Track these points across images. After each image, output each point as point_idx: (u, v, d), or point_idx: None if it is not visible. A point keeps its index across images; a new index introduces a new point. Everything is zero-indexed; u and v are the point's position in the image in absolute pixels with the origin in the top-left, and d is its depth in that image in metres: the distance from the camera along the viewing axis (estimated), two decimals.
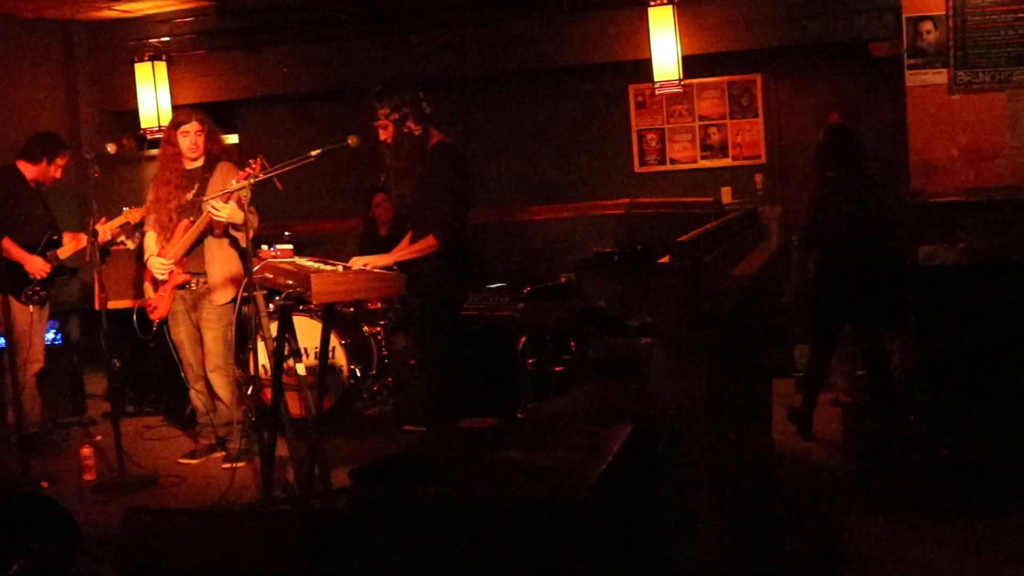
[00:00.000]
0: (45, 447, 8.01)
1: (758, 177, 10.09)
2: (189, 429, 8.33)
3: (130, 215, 8.00)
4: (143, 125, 10.49)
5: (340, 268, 6.21)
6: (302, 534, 4.08)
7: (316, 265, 6.26)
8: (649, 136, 10.45)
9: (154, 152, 10.75)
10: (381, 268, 6.32)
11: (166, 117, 10.45)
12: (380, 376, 8.29)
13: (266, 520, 4.27)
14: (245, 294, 6.22)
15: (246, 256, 6.20)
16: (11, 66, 10.12)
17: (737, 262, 6.04)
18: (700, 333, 4.76)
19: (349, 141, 6.28)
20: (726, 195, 10.07)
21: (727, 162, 10.27)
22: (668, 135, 10.42)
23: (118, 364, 9.12)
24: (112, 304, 7.88)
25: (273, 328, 6.24)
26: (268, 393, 7.91)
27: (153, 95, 10.44)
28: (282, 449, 6.50)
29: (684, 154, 10.36)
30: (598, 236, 9.50)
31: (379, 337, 8.32)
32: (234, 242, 7.33)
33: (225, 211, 6.85)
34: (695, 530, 4.68)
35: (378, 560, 3.88)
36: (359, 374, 8.19)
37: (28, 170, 8.08)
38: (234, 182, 6.57)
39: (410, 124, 6.63)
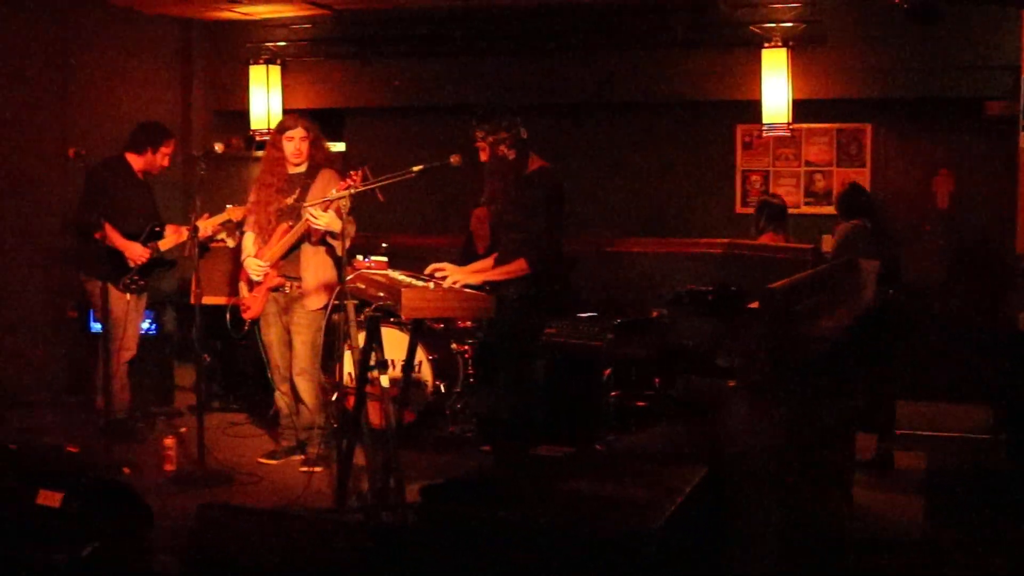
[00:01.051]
0: (130, 434, 8.14)
1: None
2: (271, 429, 8.42)
3: (232, 213, 8.13)
4: (252, 127, 10.65)
5: (431, 285, 6.25)
6: (370, 545, 4.11)
7: (408, 280, 6.31)
8: (753, 177, 10.40)
9: (261, 154, 10.94)
10: (470, 286, 6.34)
11: (276, 120, 10.55)
12: (464, 394, 8.31)
13: (336, 528, 4.30)
14: (336, 302, 6.29)
15: (341, 264, 6.26)
16: (128, 60, 10.32)
17: (830, 313, 5.98)
18: (784, 381, 4.73)
19: (452, 160, 6.33)
20: (826, 243, 9.96)
21: (830, 210, 10.15)
22: (773, 177, 10.36)
23: (207, 359, 9.25)
24: (207, 300, 8.01)
25: (361, 338, 6.29)
26: (351, 401, 8.00)
27: (265, 98, 10.60)
28: (361, 458, 6.56)
29: (787, 198, 10.24)
30: (693, 273, 9.44)
31: (467, 355, 8.34)
32: (330, 250, 7.41)
33: (324, 219, 6.94)
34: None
35: None
36: (443, 391, 8.22)
37: (135, 161, 8.24)
38: (334, 191, 6.65)
39: (503, 148, 6.66)
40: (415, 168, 6.24)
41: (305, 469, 7.40)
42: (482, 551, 3.75)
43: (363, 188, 6.30)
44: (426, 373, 8.12)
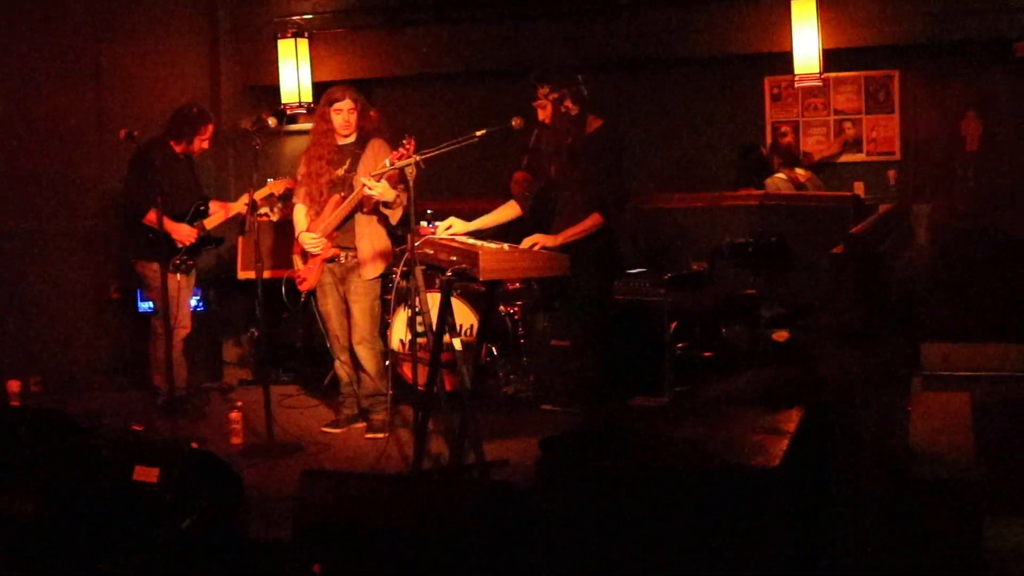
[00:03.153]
0: (190, 410, 8.23)
1: (891, 174, 10.06)
2: (327, 399, 8.50)
3: (274, 186, 8.19)
4: (284, 101, 10.65)
5: (506, 246, 6.30)
6: (491, 502, 4.18)
7: (481, 242, 6.37)
8: (783, 128, 10.45)
9: (293, 127, 11.00)
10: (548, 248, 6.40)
11: (307, 93, 10.62)
12: (516, 355, 8.38)
13: (456, 487, 4.38)
14: (405, 269, 6.35)
15: (400, 230, 6.29)
16: (157, 37, 10.30)
17: (898, 256, 6.07)
18: (874, 322, 4.82)
19: (513, 123, 6.40)
20: (858, 190, 10.04)
21: (861, 157, 10.24)
22: (802, 128, 10.41)
23: (256, 333, 9.34)
24: (249, 275, 8.07)
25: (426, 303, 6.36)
26: (405, 367, 8.09)
27: (295, 71, 10.61)
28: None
29: (817, 147, 10.35)
30: (730, 226, 9.51)
31: (516, 316, 8.41)
32: (383, 219, 7.47)
33: (378, 188, 6.98)
34: (863, 513, 4.75)
35: (567, 529, 3.97)
36: (495, 352, 8.29)
37: (177, 145, 8.27)
38: (387, 162, 6.70)
39: (567, 104, 6.70)
40: (478, 132, 6.30)
41: (371, 436, 7.50)
42: (610, 500, 3.84)
43: (426, 155, 6.34)
44: (475, 336, 8.18)
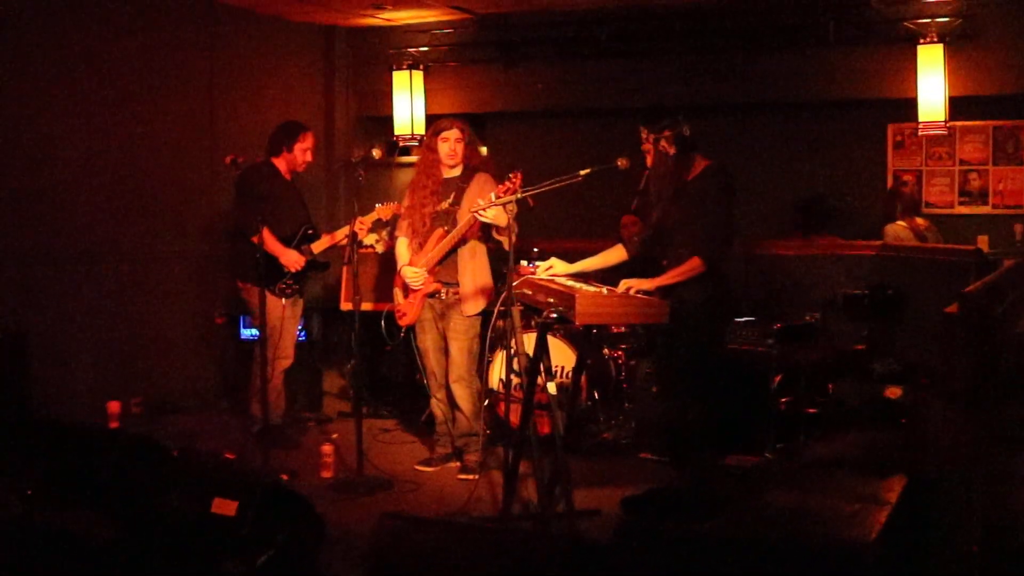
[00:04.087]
0: (285, 440, 8.16)
1: (1018, 227, 9.67)
2: (424, 436, 8.39)
3: (382, 211, 8.07)
4: (396, 132, 10.65)
5: (604, 290, 6.13)
6: (572, 558, 4.00)
7: (579, 285, 6.20)
8: (905, 177, 10.14)
9: (405, 159, 10.97)
10: (644, 292, 6.20)
11: (420, 125, 10.59)
12: (617, 400, 8.20)
13: (535, 540, 4.20)
14: (502, 308, 6.20)
15: (507, 264, 6.14)
16: (274, 67, 10.40)
17: (1018, 317, 5.78)
18: (986, 387, 4.56)
19: (619, 163, 6.23)
20: (982, 244, 9.68)
21: (986, 210, 9.88)
22: (925, 177, 10.09)
23: (353, 366, 9.27)
24: (351, 307, 7.98)
25: (523, 344, 6.20)
26: (503, 407, 7.95)
27: (408, 103, 10.59)
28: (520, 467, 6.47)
29: (941, 198, 10.02)
30: (846, 276, 9.24)
31: (619, 361, 8.23)
32: (488, 254, 7.35)
33: (491, 212, 6.76)
34: None
35: None
36: (596, 397, 8.12)
37: (280, 163, 8.22)
38: (492, 196, 6.56)
39: (664, 144, 6.50)
40: (583, 172, 6.14)
41: (463, 477, 7.36)
42: (688, 566, 3.64)
43: (531, 192, 6.20)
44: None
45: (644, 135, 6.54)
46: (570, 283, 6.29)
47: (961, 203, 10.02)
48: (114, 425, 8.49)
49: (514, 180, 6.42)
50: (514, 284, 6.13)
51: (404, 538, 4.64)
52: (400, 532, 4.69)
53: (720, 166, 6.55)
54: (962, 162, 10.00)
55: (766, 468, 5.66)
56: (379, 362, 9.42)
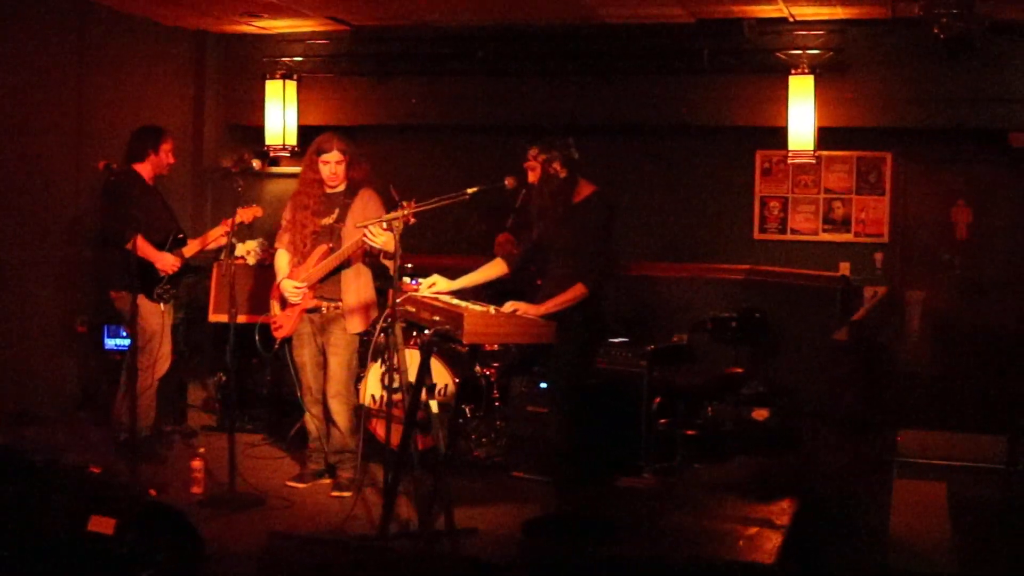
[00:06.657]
0: (151, 454, 7.96)
1: (878, 256, 9.92)
2: (293, 451, 8.28)
3: (243, 214, 7.98)
4: (268, 142, 10.49)
5: (492, 310, 6.12)
6: None
7: (466, 304, 6.18)
8: (772, 203, 10.32)
9: (275, 169, 10.83)
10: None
11: (291, 136, 10.47)
12: (489, 418, 8.18)
13: (431, 561, 4.17)
14: (384, 325, 6.16)
15: (391, 286, 6.11)
16: (143, 71, 10.16)
17: (894, 343, 5.94)
18: (871, 410, 4.67)
19: (506, 182, 6.24)
20: (844, 270, 9.91)
21: (848, 237, 10.11)
22: (791, 204, 10.29)
23: (223, 378, 9.11)
24: (222, 318, 7.85)
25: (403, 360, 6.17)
26: (376, 424, 7.89)
27: (281, 113, 10.45)
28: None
29: (806, 225, 10.23)
30: (714, 299, 9.39)
31: (492, 378, 8.22)
32: (372, 271, 7.29)
33: (381, 239, 6.75)
34: None
35: None
36: (468, 414, 8.10)
37: (143, 169, 8.06)
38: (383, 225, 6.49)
39: (556, 166, 6.53)
40: (469, 190, 6.14)
41: (337, 494, 7.28)
42: None
43: (419, 208, 6.17)
44: (450, 396, 7.99)
45: (534, 154, 6.55)
46: (456, 301, 6.26)
47: (825, 230, 10.22)
48: None
49: (407, 206, 6.33)
50: (398, 301, 6.09)
51: (293, 558, 4.58)
52: (289, 551, 4.63)
53: (604, 193, 6.62)
54: (827, 190, 10.22)
55: (661, 490, 5.71)
56: (244, 375, 9.25)
